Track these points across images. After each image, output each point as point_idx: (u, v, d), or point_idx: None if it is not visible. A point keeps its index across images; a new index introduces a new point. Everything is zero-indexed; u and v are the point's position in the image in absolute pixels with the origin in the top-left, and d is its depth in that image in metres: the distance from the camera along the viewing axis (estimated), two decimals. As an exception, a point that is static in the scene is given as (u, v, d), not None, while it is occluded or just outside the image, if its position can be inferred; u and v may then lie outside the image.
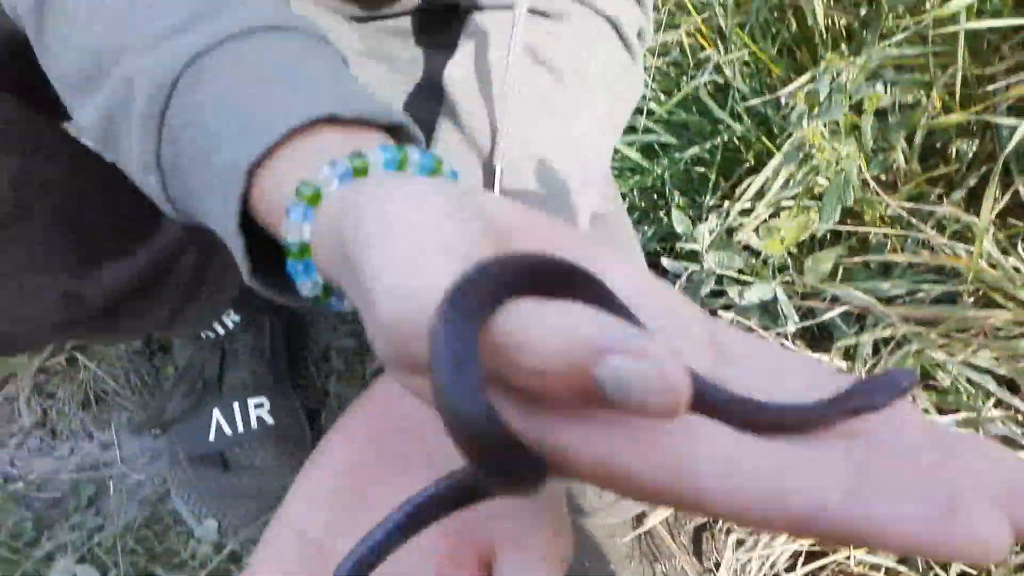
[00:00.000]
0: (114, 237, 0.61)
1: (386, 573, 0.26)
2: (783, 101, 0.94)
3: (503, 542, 0.28)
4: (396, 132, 0.37)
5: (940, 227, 0.94)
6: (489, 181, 0.49)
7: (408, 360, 0.24)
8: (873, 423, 0.25)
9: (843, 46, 1.01)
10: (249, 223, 0.35)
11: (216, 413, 0.83)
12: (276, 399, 0.86)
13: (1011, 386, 0.85)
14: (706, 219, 0.96)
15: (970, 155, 0.98)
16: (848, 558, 0.79)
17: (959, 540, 0.19)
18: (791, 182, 0.92)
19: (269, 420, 0.86)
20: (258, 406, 0.84)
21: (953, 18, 0.93)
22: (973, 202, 0.95)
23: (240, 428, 0.83)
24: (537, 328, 0.21)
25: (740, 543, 0.86)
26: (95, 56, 0.38)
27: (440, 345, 0.20)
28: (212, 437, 0.83)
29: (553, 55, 0.53)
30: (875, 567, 0.83)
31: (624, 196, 1.22)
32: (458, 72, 0.54)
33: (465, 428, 0.20)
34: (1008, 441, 0.79)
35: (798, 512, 0.20)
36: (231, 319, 0.85)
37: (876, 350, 0.83)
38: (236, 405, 0.83)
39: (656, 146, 1.19)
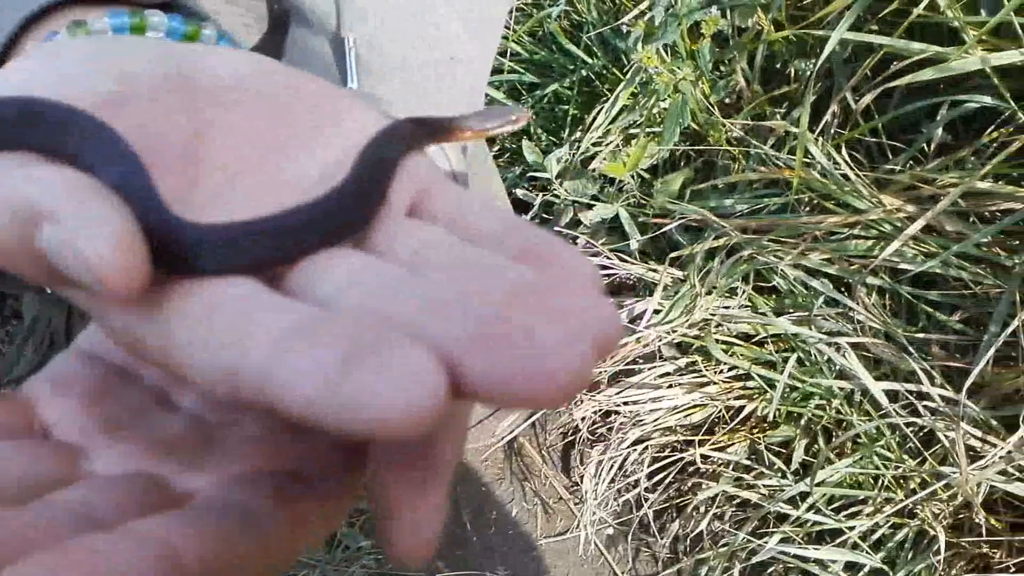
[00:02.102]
0: None
1: None
2: (624, 30, 0.97)
3: None
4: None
5: (781, 144, 0.99)
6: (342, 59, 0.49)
7: None
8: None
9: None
10: None
11: (65, 364, 0.82)
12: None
13: (848, 286, 0.91)
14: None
15: (809, 73, 1.02)
16: (693, 455, 0.83)
17: (346, 398, 0.15)
18: (635, 109, 0.95)
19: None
20: (108, 355, 0.83)
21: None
22: (817, 118, 1.00)
23: (91, 378, 0.82)
24: None
25: (604, 450, 0.90)
26: None
27: None
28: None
29: None
30: (723, 463, 0.88)
31: (493, 138, 1.24)
32: None
33: None
34: (842, 334, 0.84)
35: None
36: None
37: (714, 258, 0.87)
38: (85, 356, 0.82)
39: (519, 86, 1.21)
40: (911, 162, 0.92)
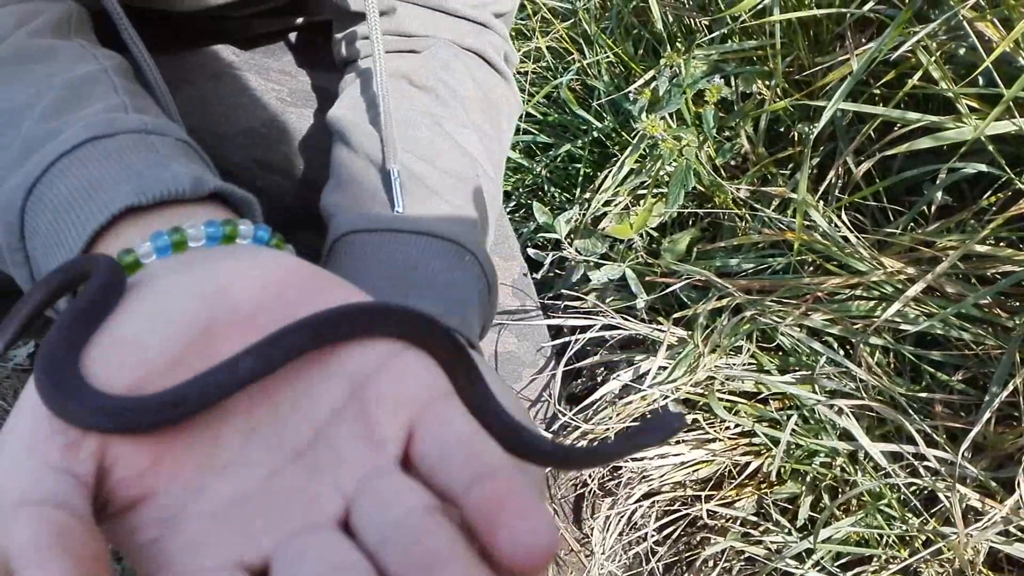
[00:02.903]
0: None
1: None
2: (631, 96, 1.01)
3: None
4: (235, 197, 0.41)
5: (785, 204, 1.02)
6: (388, 185, 0.53)
7: None
8: None
9: (680, 43, 1.08)
10: None
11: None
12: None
13: (852, 346, 0.93)
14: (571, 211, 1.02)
15: (812, 137, 1.06)
16: (701, 511, 0.85)
17: None
18: (643, 171, 0.98)
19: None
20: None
21: (788, 8, 1.01)
22: (821, 179, 1.03)
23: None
24: None
25: (612, 504, 0.92)
26: None
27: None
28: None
29: (426, 80, 0.59)
30: (731, 519, 0.89)
31: (509, 195, 1.28)
32: (341, 111, 0.59)
33: None
34: (840, 394, 0.86)
35: None
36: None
37: (719, 317, 0.89)
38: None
39: (534, 146, 1.25)
40: (912, 224, 0.95)
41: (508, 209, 1.27)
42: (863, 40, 1.02)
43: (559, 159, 1.21)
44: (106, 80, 0.47)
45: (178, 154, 0.42)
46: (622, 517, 0.86)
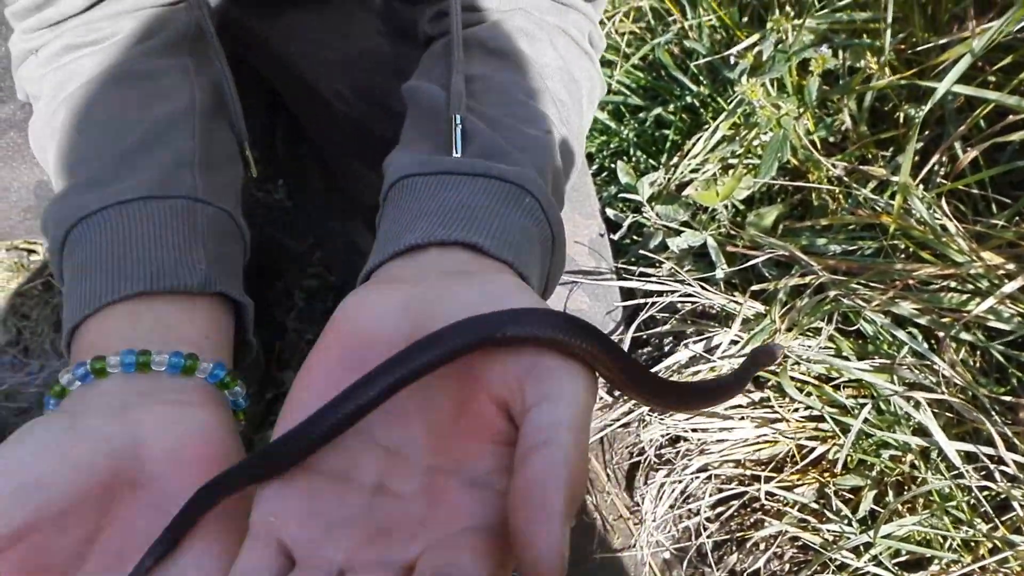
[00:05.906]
0: None
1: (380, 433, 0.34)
2: (732, 60, 0.97)
3: (526, 380, 0.32)
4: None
5: (882, 187, 0.97)
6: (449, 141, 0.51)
7: None
8: None
9: (790, 8, 1.04)
10: None
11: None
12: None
13: (937, 339, 0.89)
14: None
15: (919, 119, 1.01)
16: (759, 490, 0.83)
17: None
18: (735, 140, 0.95)
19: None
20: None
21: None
22: (922, 164, 0.98)
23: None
24: None
25: (668, 473, 0.90)
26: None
27: None
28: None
29: (502, 46, 0.56)
30: (789, 503, 0.87)
31: (592, 156, 1.26)
32: (415, 82, 0.56)
33: None
34: (919, 387, 0.83)
35: None
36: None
37: (799, 296, 0.86)
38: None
39: (623, 108, 1.23)
40: (1016, 218, 0.90)
41: (592, 170, 1.25)
42: (981, 22, 0.96)
43: (647, 123, 1.19)
44: (187, 122, 0.52)
45: (214, 230, 0.48)
46: (676, 488, 0.85)
